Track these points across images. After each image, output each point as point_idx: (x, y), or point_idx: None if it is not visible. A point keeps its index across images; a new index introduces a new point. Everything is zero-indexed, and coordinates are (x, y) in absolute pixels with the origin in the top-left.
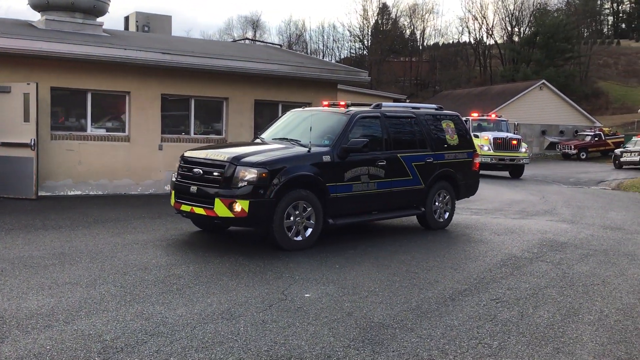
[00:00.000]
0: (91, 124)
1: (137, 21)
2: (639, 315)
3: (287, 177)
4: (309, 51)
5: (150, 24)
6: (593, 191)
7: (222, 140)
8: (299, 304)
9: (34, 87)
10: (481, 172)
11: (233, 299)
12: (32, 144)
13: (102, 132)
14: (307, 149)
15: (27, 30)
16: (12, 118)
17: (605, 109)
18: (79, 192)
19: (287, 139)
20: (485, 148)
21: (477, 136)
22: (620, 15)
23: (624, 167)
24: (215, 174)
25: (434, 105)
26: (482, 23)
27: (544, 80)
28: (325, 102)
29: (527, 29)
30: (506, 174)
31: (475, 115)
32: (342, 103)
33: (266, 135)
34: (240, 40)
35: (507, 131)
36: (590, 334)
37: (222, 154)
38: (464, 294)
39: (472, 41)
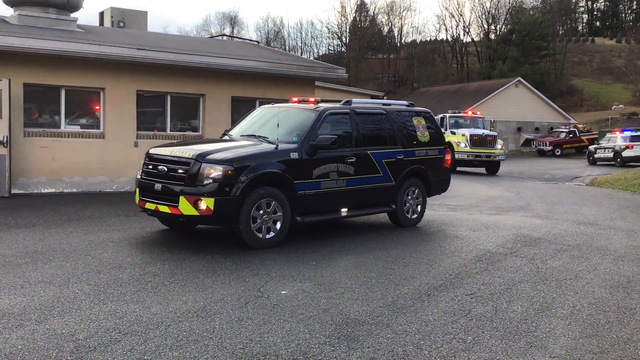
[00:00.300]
0: (65, 121)
1: (112, 17)
2: (610, 309)
3: (254, 175)
4: (287, 48)
5: (126, 20)
6: (567, 187)
7: (199, 137)
8: (275, 301)
9: (6, 83)
10: (458, 168)
11: (209, 296)
12: (5, 141)
13: (76, 128)
14: (275, 146)
15: None
16: None
17: (580, 106)
18: (53, 190)
19: (255, 135)
20: (462, 145)
21: (454, 133)
22: (595, 13)
23: (597, 163)
24: (180, 171)
25: (405, 102)
26: (459, 21)
27: (519, 78)
28: (295, 99)
29: (504, 26)
30: (482, 170)
31: (451, 112)
32: (312, 99)
33: (235, 132)
34: (218, 36)
35: (484, 128)
36: (562, 328)
37: (188, 151)
38: (439, 290)
39: (449, 39)
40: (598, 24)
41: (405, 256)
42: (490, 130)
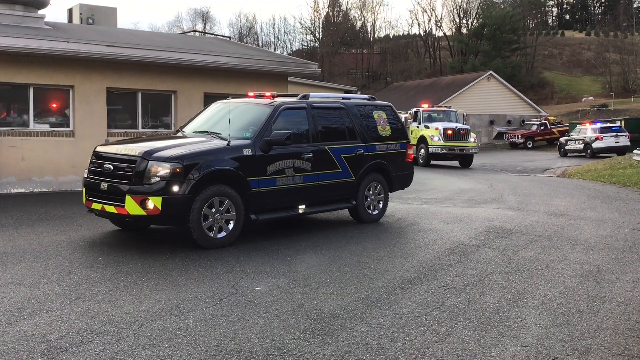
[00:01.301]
0: (34, 120)
1: (81, 13)
2: (581, 298)
3: (204, 172)
4: (260, 44)
5: (95, 16)
6: (539, 179)
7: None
8: (249, 298)
9: None
10: (432, 162)
11: (182, 294)
12: None
13: (46, 127)
14: (227, 142)
15: None
16: None
17: (551, 99)
18: (22, 190)
19: (208, 132)
20: (436, 138)
21: (427, 127)
22: (564, 6)
23: (568, 154)
24: (126, 169)
25: (366, 96)
26: (431, 15)
27: (491, 72)
28: (251, 93)
29: (475, 20)
30: (456, 163)
31: (425, 106)
32: (268, 94)
33: (188, 128)
34: (189, 32)
35: (457, 122)
36: (534, 318)
37: (134, 149)
38: (413, 282)
39: (422, 33)
40: (568, 17)
41: (379, 250)
42: (463, 123)
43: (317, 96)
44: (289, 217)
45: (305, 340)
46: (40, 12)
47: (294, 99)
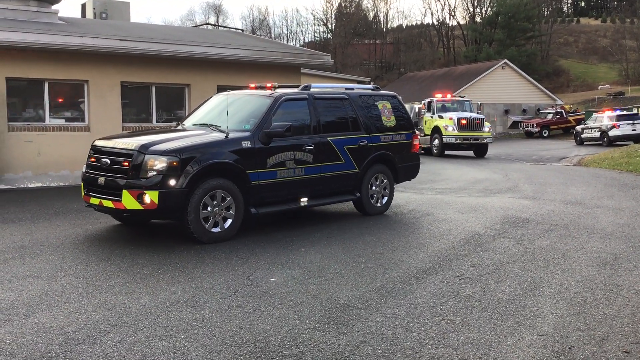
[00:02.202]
0: (49, 114)
1: (94, 8)
2: (597, 286)
3: (202, 165)
4: (272, 36)
5: (108, 11)
6: (555, 168)
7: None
8: (264, 289)
9: None
10: (446, 152)
11: (198, 286)
12: None
13: (61, 122)
14: (225, 135)
15: None
16: None
17: (567, 87)
18: (39, 184)
19: (207, 124)
20: (450, 129)
21: (441, 117)
22: None
23: (585, 143)
24: (123, 163)
25: (370, 86)
26: (445, 4)
27: (506, 60)
28: (252, 85)
29: (489, 9)
30: (471, 153)
31: (439, 96)
32: (269, 85)
33: (188, 121)
34: (202, 25)
35: (471, 111)
36: (550, 307)
37: (131, 142)
38: (428, 273)
39: (435, 22)
40: (583, 4)
41: (394, 240)
42: (478, 113)
43: (319, 87)
44: (290, 210)
45: (320, 330)
46: (54, 7)
47: (295, 90)
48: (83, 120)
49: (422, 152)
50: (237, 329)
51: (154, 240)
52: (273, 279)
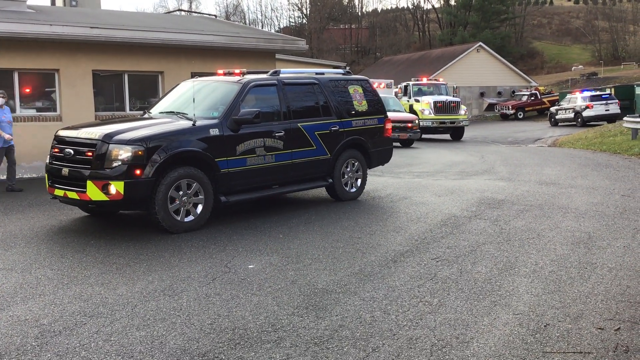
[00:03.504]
0: (20, 105)
1: None
2: (572, 265)
3: (168, 154)
4: (247, 22)
5: None
6: (530, 149)
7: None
8: (242, 276)
9: None
10: (423, 135)
11: (175, 275)
12: None
13: (32, 112)
14: (192, 123)
15: None
16: None
17: (541, 69)
18: None
19: (174, 112)
20: (426, 112)
21: (418, 101)
22: None
23: (559, 124)
24: (87, 153)
25: (340, 70)
26: None
27: (480, 43)
28: (220, 71)
29: None
30: (447, 136)
31: (415, 80)
32: (238, 71)
33: (155, 109)
34: (174, 12)
35: (447, 94)
36: (525, 286)
37: (95, 132)
38: (405, 255)
39: (410, 6)
40: None
41: (371, 225)
42: (454, 96)
43: (289, 72)
44: (262, 197)
45: (299, 315)
46: None
47: (264, 76)
48: (55, 110)
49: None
50: (216, 316)
51: (130, 230)
52: (251, 266)
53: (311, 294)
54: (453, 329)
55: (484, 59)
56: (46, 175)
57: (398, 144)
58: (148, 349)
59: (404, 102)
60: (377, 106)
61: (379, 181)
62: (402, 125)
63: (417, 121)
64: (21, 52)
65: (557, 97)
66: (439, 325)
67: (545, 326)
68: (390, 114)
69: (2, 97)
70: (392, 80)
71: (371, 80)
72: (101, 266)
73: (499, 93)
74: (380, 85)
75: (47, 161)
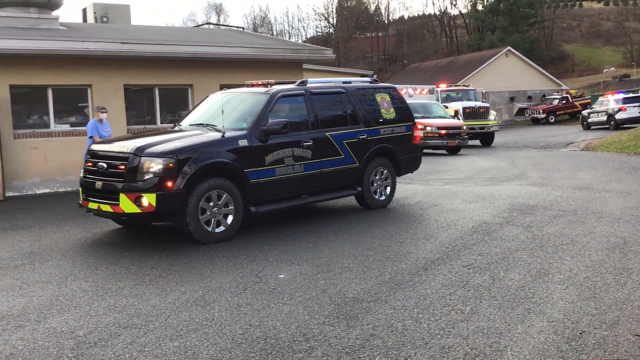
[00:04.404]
0: (54, 120)
1: (95, 12)
2: (607, 270)
3: (198, 166)
4: (274, 33)
5: (109, 15)
6: (562, 153)
7: None
8: (273, 285)
9: None
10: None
11: (207, 285)
12: None
13: (66, 127)
14: (222, 134)
15: None
16: None
17: (572, 72)
18: (47, 190)
19: (204, 124)
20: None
21: (446, 107)
22: None
23: (592, 127)
24: (119, 167)
25: (368, 79)
26: None
27: (509, 47)
28: (248, 82)
29: None
30: (477, 142)
31: (443, 86)
32: (266, 82)
33: (185, 122)
34: (203, 25)
35: (476, 100)
36: (560, 293)
37: (127, 146)
38: (436, 263)
39: (437, 12)
40: None
41: (401, 232)
42: (483, 101)
43: (316, 82)
44: (291, 207)
45: (330, 325)
46: (55, 13)
47: (291, 86)
48: None
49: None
50: (247, 326)
51: (162, 242)
52: (282, 276)
53: (342, 303)
54: (486, 338)
55: (513, 63)
56: (80, 188)
57: (444, 152)
58: (182, 359)
59: None
60: (405, 113)
61: (408, 189)
62: (451, 132)
63: (465, 127)
64: (55, 69)
65: (589, 100)
66: (472, 333)
67: (580, 334)
68: (436, 121)
69: (104, 112)
70: (434, 86)
71: (413, 86)
72: (135, 277)
73: (530, 97)
74: (423, 91)
75: (81, 175)
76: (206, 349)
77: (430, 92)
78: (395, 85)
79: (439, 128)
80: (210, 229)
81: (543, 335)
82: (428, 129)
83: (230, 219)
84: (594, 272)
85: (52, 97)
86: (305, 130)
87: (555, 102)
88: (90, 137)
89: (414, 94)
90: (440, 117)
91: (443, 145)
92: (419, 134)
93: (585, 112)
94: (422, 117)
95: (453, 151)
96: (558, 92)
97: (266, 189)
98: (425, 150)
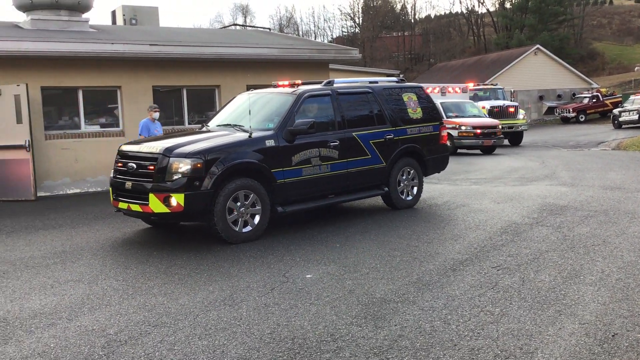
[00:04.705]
0: (84, 121)
1: (123, 14)
2: None
3: (226, 166)
4: (300, 33)
5: (137, 17)
6: (593, 153)
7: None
8: (300, 285)
9: (23, 88)
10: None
11: (235, 284)
12: (27, 145)
13: (96, 128)
14: (249, 135)
15: (13, 31)
16: (4, 120)
17: (602, 70)
18: (77, 190)
19: (231, 125)
20: None
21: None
22: None
23: (623, 126)
24: (149, 167)
25: (394, 78)
26: None
27: (538, 45)
28: (274, 83)
29: None
30: (505, 141)
31: (470, 85)
32: (293, 82)
33: (212, 122)
34: (229, 26)
35: (504, 99)
36: (592, 294)
37: (156, 146)
38: (464, 264)
39: (464, 11)
40: None
41: (429, 232)
42: (511, 100)
43: (343, 82)
44: (318, 207)
45: (358, 325)
46: (85, 15)
47: (318, 86)
48: (117, 126)
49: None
50: (275, 326)
51: (191, 242)
52: (309, 276)
53: (369, 304)
54: (516, 340)
55: (542, 62)
56: (110, 189)
57: (478, 151)
58: (210, 357)
59: None
60: (432, 113)
61: (435, 188)
62: (486, 131)
63: (500, 126)
64: (85, 71)
65: (620, 99)
66: (502, 335)
67: (613, 336)
68: (471, 120)
69: (157, 111)
70: (468, 84)
71: (446, 85)
72: (164, 277)
73: (559, 96)
74: (456, 90)
75: (112, 175)
76: (234, 348)
77: (464, 90)
78: (428, 85)
79: (474, 127)
80: (237, 229)
81: (574, 337)
82: (463, 128)
83: (257, 218)
84: (626, 273)
85: (83, 99)
86: (332, 131)
87: (586, 100)
88: (140, 136)
89: (447, 93)
90: (474, 116)
91: (478, 145)
92: (446, 133)
93: (616, 111)
94: (457, 117)
95: (488, 151)
96: (588, 90)
97: (293, 189)
98: (459, 151)
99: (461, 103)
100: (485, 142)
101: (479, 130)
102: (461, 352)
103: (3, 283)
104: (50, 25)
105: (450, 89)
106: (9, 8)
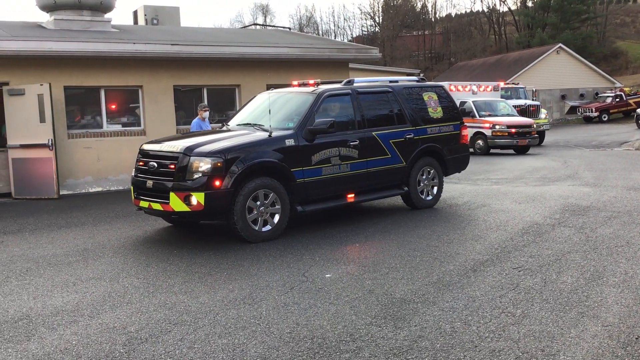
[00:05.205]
0: (107, 120)
1: (145, 14)
2: None
3: (246, 165)
4: (320, 32)
5: (159, 17)
6: (616, 153)
7: None
8: (320, 285)
9: (47, 87)
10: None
11: (254, 283)
12: (50, 144)
13: (118, 127)
14: (268, 134)
15: (36, 31)
16: (28, 120)
17: (625, 69)
18: (100, 189)
19: (251, 124)
20: None
21: None
22: None
23: None
24: (170, 166)
25: (415, 77)
26: None
27: (560, 44)
28: (295, 82)
29: None
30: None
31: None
32: (312, 82)
33: (232, 122)
34: (250, 26)
35: (526, 98)
36: (615, 296)
37: (176, 145)
38: (485, 265)
39: (485, 9)
40: None
41: (449, 233)
42: (533, 99)
43: (363, 81)
44: (337, 206)
45: (377, 325)
46: (107, 15)
47: (338, 86)
48: (139, 125)
49: None
50: (294, 325)
51: (211, 240)
52: (328, 275)
53: (389, 304)
54: (538, 342)
55: (564, 61)
56: (132, 187)
57: (511, 151)
58: (230, 356)
59: None
60: (452, 113)
61: (455, 188)
62: (521, 130)
63: (535, 125)
64: (107, 70)
65: None
66: (523, 337)
67: (636, 338)
68: (505, 119)
69: (207, 110)
70: (500, 83)
71: (476, 83)
72: (184, 275)
73: (582, 95)
74: (487, 89)
75: (133, 174)
76: (254, 347)
77: (495, 89)
78: (458, 83)
79: (509, 127)
80: (257, 228)
81: (597, 339)
82: (497, 127)
83: (276, 218)
84: None
85: (105, 98)
86: (352, 130)
87: (609, 100)
88: None
89: (478, 91)
90: (507, 114)
91: (512, 145)
92: (466, 132)
93: (639, 111)
94: (490, 115)
95: (522, 151)
96: (611, 89)
97: (312, 188)
98: (492, 151)
99: (493, 102)
100: (520, 142)
101: (513, 130)
102: (482, 354)
103: (26, 280)
104: (73, 25)
105: (481, 88)
106: (33, 8)
